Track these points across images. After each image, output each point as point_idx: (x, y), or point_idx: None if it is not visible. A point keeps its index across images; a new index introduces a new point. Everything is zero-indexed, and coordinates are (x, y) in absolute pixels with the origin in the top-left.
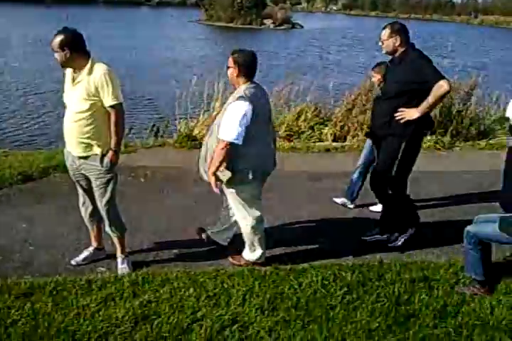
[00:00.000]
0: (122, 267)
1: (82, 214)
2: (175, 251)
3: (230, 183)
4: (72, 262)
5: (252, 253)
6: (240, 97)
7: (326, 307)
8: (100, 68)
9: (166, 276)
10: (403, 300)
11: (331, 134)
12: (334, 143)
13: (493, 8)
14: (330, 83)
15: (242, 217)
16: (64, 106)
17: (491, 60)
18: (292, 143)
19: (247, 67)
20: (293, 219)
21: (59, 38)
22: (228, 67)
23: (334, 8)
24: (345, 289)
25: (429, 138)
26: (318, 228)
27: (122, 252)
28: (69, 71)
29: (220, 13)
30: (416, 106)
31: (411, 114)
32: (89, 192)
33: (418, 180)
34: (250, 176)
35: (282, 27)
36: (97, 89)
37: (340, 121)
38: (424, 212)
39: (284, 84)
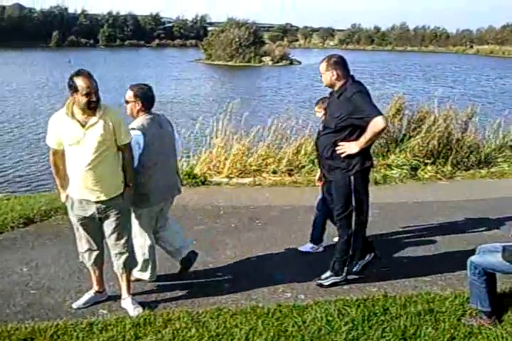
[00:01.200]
0: (136, 307)
1: (85, 259)
2: (177, 290)
3: (133, 206)
4: (74, 306)
5: (143, 273)
6: (132, 129)
7: None
8: (113, 108)
9: (168, 317)
10: (409, 334)
11: None
12: None
13: (488, 37)
14: None
15: (139, 245)
16: (57, 153)
17: (492, 88)
18: (293, 178)
19: (147, 100)
20: (295, 253)
21: (93, 81)
22: (128, 102)
23: (331, 43)
24: (350, 325)
25: (429, 168)
26: (321, 262)
27: (128, 292)
28: (64, 117)
29: (219, 52)
30: (357, 139)
31: (351, 147)
32: (97, 236)
33: (421, 210)
34: (151, 200)
35: (281, 63)
36: (114, 129)
37: None
38: (427, 242)
39: (283, 118)
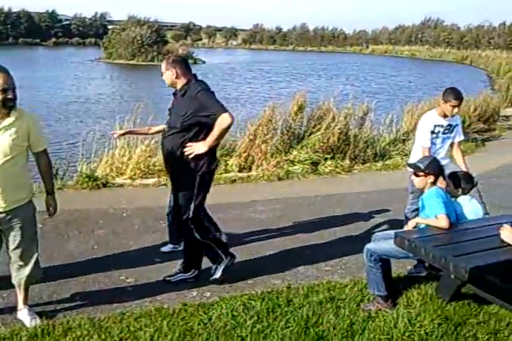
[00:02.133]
0: (33, 317)
1: None
2: (77, 298)
3: None
4: None
5: None
6: None
7: (237, 338)
8: (27, 113)
9: (68, 325)
10: (312, 322)
11: (237, 165)
12: (240, 174)
13: (382, 38)
14: (238, 115)
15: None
16: None
17: (389, 85)
18: None
19: None
20: None
21: (10, 77)
22: None
23: (234, 43)
24: (255, 318)
25: (329, 162)
26: None
27: (25, 303)
28: None
29: (120, 51)
30: (204, 139)
31: (199, 147)
32: None
33: (321, 203)
34: None
35: None
36: (28, 134)
37: (244, 152)
38: (328, 232)
39: None
